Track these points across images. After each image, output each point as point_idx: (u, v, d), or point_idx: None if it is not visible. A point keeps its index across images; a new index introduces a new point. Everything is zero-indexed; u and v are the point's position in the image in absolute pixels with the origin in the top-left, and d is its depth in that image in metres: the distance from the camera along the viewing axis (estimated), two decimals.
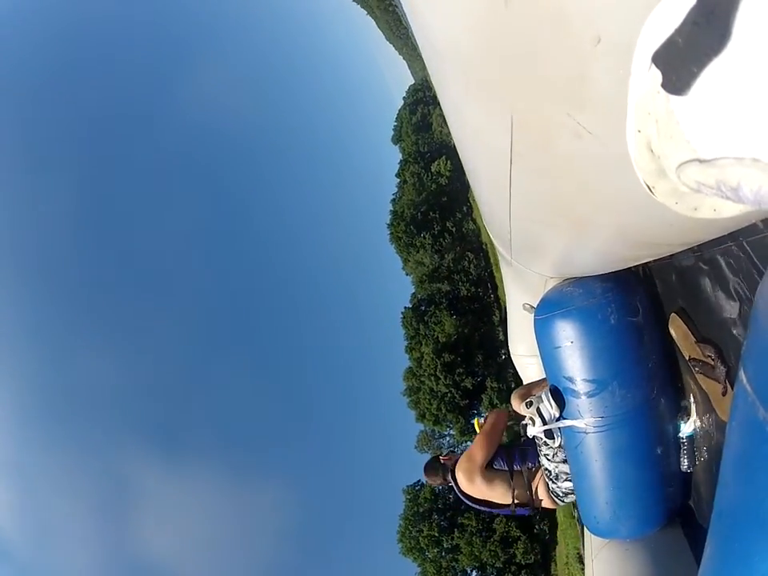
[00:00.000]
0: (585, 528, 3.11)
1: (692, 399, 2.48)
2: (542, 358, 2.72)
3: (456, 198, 57.83)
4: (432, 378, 50.30)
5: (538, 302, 2.71)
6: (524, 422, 2.79)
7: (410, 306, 57.38)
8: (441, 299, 55.80)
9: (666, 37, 0.46)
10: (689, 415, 2.52)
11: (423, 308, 56.02)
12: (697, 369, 2.22)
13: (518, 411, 2.93)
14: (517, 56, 0.87)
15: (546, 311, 2.56)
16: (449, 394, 50.19)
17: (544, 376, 2.81)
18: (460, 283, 56.20)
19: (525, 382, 4.91)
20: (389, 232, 60.01)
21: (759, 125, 0.39)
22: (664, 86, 0.47)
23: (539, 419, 2.66)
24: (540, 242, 2.03)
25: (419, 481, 51.55)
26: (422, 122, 64.73)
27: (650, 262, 2.05)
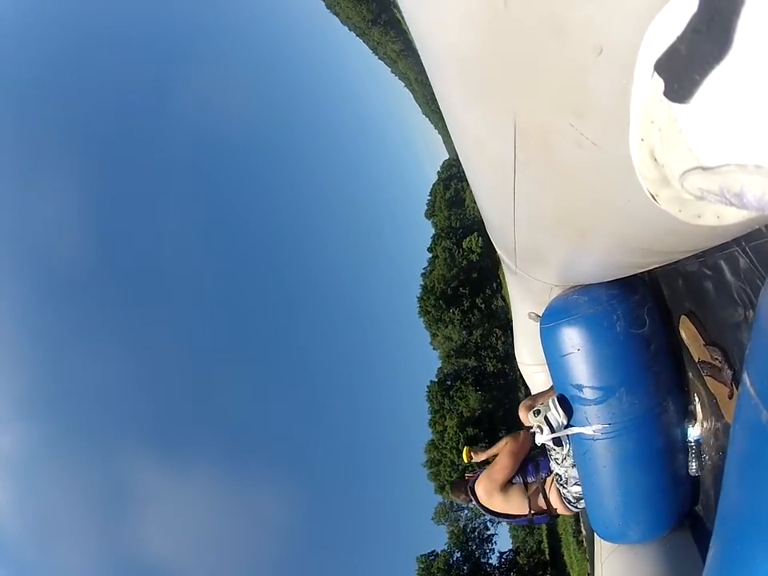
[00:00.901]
0: (594, 533, 3.11)
1: (699, 403, 2.48)
2: (548, 366, 2.71)
3: (486, 275, 58.37)
4: (454, 451, 50.08)
5: (543, 311, 2.71)
6: (532, 431, 2.79)
7: (436, 380, 57.39)
8: (467, 374, 56.00)
9: (668, 45, 0.46)
10: (696, 419, 2.51)
11: (449, 382, 56.04)
12: (705, 371, 2.21)
13: (526, 420, 2.93)
14: (518, 65, 0.87)
15: (552, 319, 2.55)
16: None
17: (551, 384, 2.80)
18: (487, 359, 56.48)
19: (532, 391, 4.90)
20: (418, 305, 60.38)
21: (762, 131, 0.39)
22: (666, 94, 0.47)
23: (547, 427, 2.66)
24: (544, 250, 2.03)
25: (433, 551, 52.15)
26: (455, 198, 65.38)
27: (655, 268, 2.04)
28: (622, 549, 2.92)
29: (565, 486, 3.07)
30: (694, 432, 2.52)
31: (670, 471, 2.56)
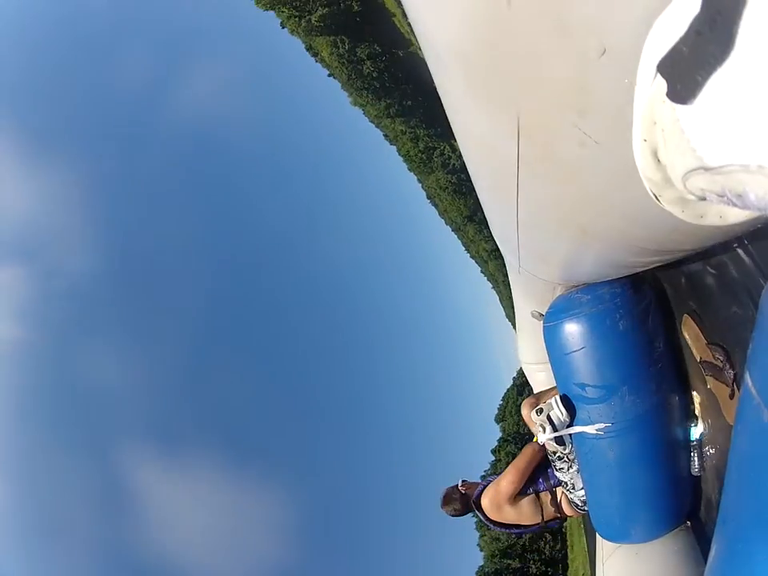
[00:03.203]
0: (596, 532, 3.11)
1: (701, 402, 2.48)
2: (551, 365, 2.71)
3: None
4: None
5: (546, 309, 2.71)
6: (535, 429, 2.78)
7: None
8: (508, 575, 56.67)
9: (671, 46, 0.46)
10: (698, 418, 2.51)
11: None
12: (707, 371, 2.21)
13: (529, 419, 2.92)
14: (521, 65, 0.87)
15: (555, 318, 2.55)
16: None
17: (554, 383, 2.80)
18: (531, 561, 57.08)
19: (535, 390, 4.90)
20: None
21: (764, 132, 0.39)
22: (669, 95, 0.47)
23: (550, 426, 2.66)
24: (547, 249, 2.03)
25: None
26: None
27: (657, 266, 2.04)
28: (623, 548, 2.92)
29: (572, 491, 3.08)
30: (695, 431, 2.51)
31: (672, 470, 2.56)
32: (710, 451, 2.48)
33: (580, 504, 3.10)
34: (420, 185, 73.99)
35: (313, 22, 52.81)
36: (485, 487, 3.31)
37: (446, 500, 3.49)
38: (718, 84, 0.41)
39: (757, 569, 0.86)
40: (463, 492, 3.42)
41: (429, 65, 1.34)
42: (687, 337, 2.35)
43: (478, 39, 0.89)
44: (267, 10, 53.97)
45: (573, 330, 2.45)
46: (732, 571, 0.98)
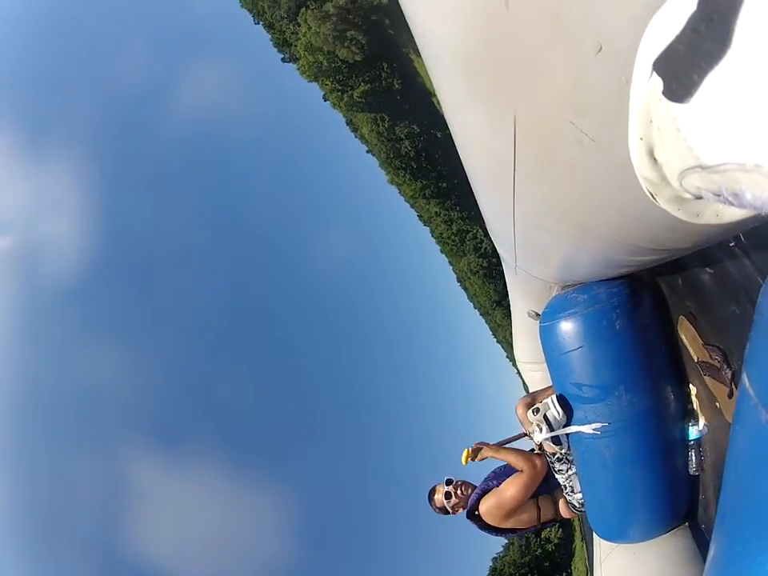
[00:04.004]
0: (593, 532, 3.11)
1: (699, 402, 2.48)
2: (547, 365, 2.71)
3: (557, 567, 59.43)
4: None
5: (542, 309, 2.71)
6: (531, 430, 2.78)
7: None
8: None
9: (667, 44, 0.46)
10: (696, 418, 2.51)
11: None
12: (705, 371, 2.21)
13: (525, 418, 2.92)
14: (518, 63, 0.87)
15: (552, 318, 2.55)
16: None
17: (550, 383, 2.80)
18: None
19: (530, 389, 4.90)
20: None
21: (760, 130, 0.39)
22: (665, 93, 0.47)
23: (546, 426, 2.65)
24: (544, 248, 2.04)
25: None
26: None
27: (654, 266, 2.05)
28: (621, 548, 2.92)
29: (570, 494, 3.07)
30: (693, 431, 2.51)
31: (670, 470, 2.56)
32: (709, 451, 2.48)
33: (578, 506, 3.09)
34: (451, 267, 73.89)
35: (354, 97, 52.92)
36: (483, 493, 3.24)
37: (430, 499, 3.44)
38: (714, 82, 0.41)
39: (756, 569, 0.86)
40: (460, 496, 3.34)
41: (426, 65, 1.33)
42: (684, 337, 2.35)
43: (476, 39, 0.89)
44: (311, 81, 54.10)
45: (569, 329, 2.45)
46: (731, 571, 0.98)
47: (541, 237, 1.85)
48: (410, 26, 1.19)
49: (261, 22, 56.64)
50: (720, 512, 1.07)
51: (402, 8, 1.15)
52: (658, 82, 0.47)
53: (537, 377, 4.65)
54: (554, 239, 1.77)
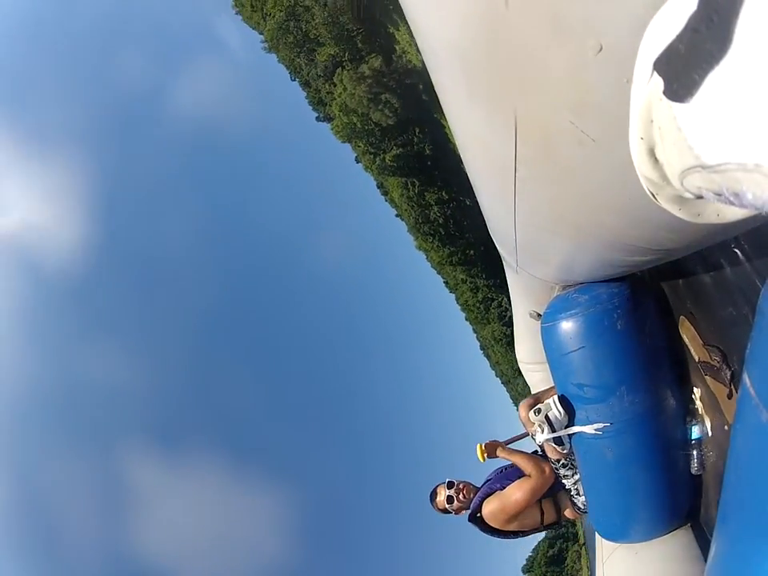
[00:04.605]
0: (595, 532, 3.11)
1: (700, 402, 2.47)
2: (549, 365, 2.71)
3: None
4: None
5: (544, 309, 2.71)
6: (533, 430, 2.78)
7: None
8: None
9: (667, 44, 0.46)
10: (697, 418, 2.51)
11: None
12: (705, 372, 2.21)
13: (527, 419, 2.91)
14: (519, 63, 0.87)
15: (553, 318, 2.55)
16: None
17: (551, 383, 2.80)
18: None
19: (532, 390, 4.90)
20: None
21: (761, 130, 0.39)
22: (666, 93, 0.47)
23: (548, 426, 2.65)
24: (545, 248, 2.03)
25: None
26: (557, 556, 67.53)
27: (655, 266, 2.04)
28: (623, 548, 2.92)
29: (575, 497, 3.08)
30: (695, 431, 2.51)
31: (672, 470, 2.56)
32: (710, 451, 2.48)
33: (582, 508, 3.09)
34: (475, 335, 74.24)
35: (386, 161, 52.81)
36: (485, 496, 3.24)
37: (432, 500, 3.44)
38: (715, 82, 0.41)
39: (757, 568, 0.86)
40: (463, 500, 3.33)
41: (427, 64, 1.34)
42: (685, 338, 2.35)
43: (476, 39, 0.89)
44: (344, 142, 53.83)
45: (571, 330, 2.45)
46: (732, 571, 0.98)
47: (541, 237, 1.85)
48: (410, 25, 1.19)
49: (297, 79, 56.27)
50: (721, 512, 1.08)
51: (403, 7, 1.15)
52: (658, 82, 0.47)
53: (538, 377, 4.65)
54: (554, 239, 1.77)
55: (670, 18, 0.45)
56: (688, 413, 2.54)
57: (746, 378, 0.92)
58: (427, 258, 63.87)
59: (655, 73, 0.48)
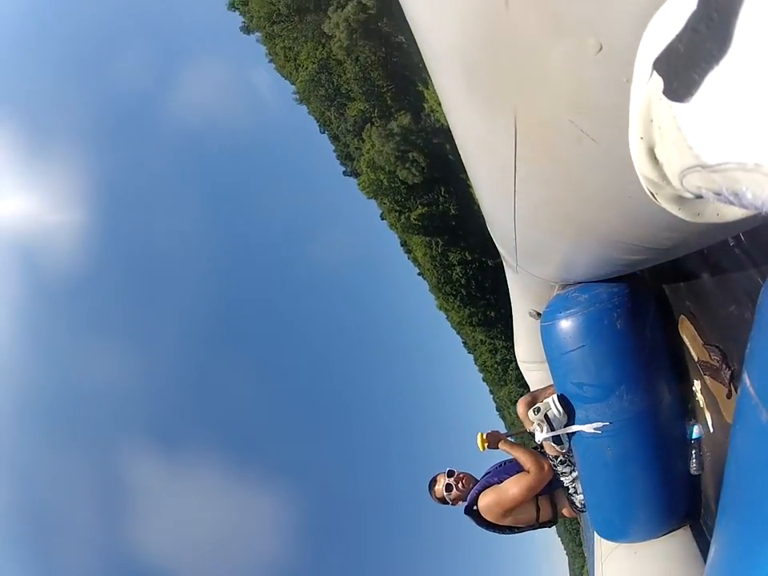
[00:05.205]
0: (594, 532, 3.11)
1: (700, 402, 2.47)
2: (548, 364, 2.71)
3: None
4: None
5: (543, 308, 2.71)
6: (532, 429, 2.78)
7: None
8: None
9: (667, 43, 0.46)
10: (696, 418, 2.51)
11: None
12: (705, 371, 2.21)
13: (525, 418, 2.91)
14: (519, 63, 0.87)
15: (553, 317, 2.55)
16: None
17: (551, 382, 2.80)
18: None
19: (531, 389, 4.89)
20: None
21: (761, 130, 0.39)
22: (666, 92, 0.47)
23: (547, 425, 2.65)
24: (545, 248, 2.03)
25: None
26: None
27: (655, 265, 2.05)
28: (622, 548, 2.92)
29: (573, 495, 3.08)
30: (695, 431, 2.51)
31: (671, 470, 2.56)
32: (709, 451, 2.48)
33: (580, 506, 3.09)
34: (492, 396, 74.34)
35: (411, 219, 52.66)
36: (483, 488, 3.24)
37: (435, 489, 3.41)
38: (714, 82, 0.41)
39: (757, 569, 0.86)
40: (461, 490, 3.33)
41: (427, 65, 1.33)
42: (685, 337, 2.35)
43: (476, 38, 0.89)
44: (370, 198, 53.90)
45: (570, 329, 2.45)
46: (732, 571, 0.98)
47: (541, 236, 1.85)
48: (410, 26, 1.19)
49: (326, 132, 56.36)
50: (721, 511, 1.08)
51: (403, 8, 1.15)
52: (658, 82, 0.47)
53: (537, 376, 4.64)
54: (554, 238, 1.77)
55: (670, 17, 0.45)
56: (687, 412, 2.54)
57: (745, 377, 0.92)
58: (447, 318, 63.98)
59: (655, 72, 0.48)
